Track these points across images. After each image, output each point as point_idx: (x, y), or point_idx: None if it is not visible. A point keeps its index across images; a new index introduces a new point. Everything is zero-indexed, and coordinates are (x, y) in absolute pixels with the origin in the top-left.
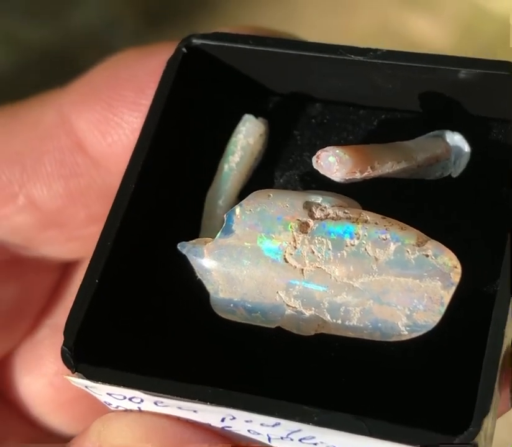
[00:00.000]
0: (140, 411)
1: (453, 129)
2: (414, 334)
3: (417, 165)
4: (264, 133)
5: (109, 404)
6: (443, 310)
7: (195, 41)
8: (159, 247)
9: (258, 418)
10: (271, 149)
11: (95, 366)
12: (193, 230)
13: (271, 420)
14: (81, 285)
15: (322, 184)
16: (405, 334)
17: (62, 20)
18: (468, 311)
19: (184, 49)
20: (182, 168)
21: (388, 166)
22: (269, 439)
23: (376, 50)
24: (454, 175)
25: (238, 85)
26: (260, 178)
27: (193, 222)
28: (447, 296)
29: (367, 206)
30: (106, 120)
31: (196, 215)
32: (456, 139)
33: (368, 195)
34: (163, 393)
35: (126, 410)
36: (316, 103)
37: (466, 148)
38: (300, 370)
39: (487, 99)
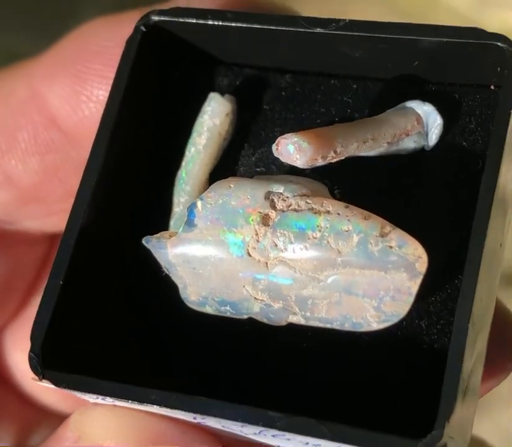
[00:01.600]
0: (113, 405)
1: (424, 98)
2: (384, 325)
3: (386, 142)
4: (230, 112)
5: (87, 399)
6: (411, 299)
7: (154, 17)
8: (126, 238)
9: (224, 421)
10: (241, 126)
11: (63, 372)
12: (163, 217)
13: (237, 423)
14: (45, 288)
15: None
16: (374, 325)
17: (60, 35)
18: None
19: (143, 28)
20: (148, 151)
21: (352, 148)
22: (245, 435)
23: (338, 21)
24: (427, 148)
25: (202, 61)
26: (232, 157)
27: (162, 209)
28: (414, 286)
29: (335, 186)
30: (76, 93)
31: (165, 201)
32: (427, 110)
33: (338, 175)
34: (128, 399)
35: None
36: (285, 75)
37: (438, 119)
38: (272, 362)
39: (457, 66)
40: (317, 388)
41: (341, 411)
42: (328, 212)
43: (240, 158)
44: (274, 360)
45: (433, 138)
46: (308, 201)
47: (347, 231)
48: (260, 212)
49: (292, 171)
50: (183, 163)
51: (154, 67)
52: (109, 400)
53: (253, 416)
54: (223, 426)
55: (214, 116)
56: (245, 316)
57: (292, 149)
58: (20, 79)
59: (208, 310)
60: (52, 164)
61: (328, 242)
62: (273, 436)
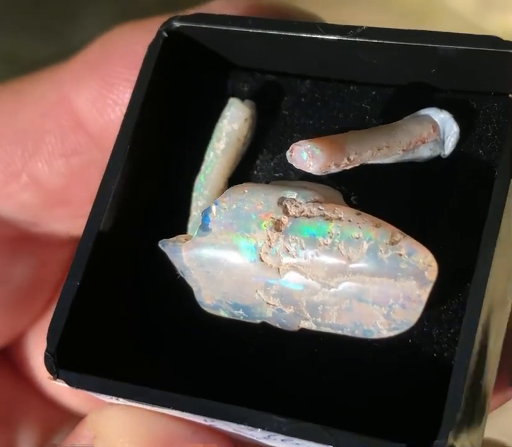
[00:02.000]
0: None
1: (441, 106)
2: (393, 333)
3: (402, 149)
4: (249, 117)
5: (103, 399)
6: (421, 308)
7: (176, 23)
8: (144, 241)
9: (233, 424)
10: (260, 131)
11: (77, 372)
12: (181, 221)
13: (243, 426)
14: (63, 289)
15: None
16: (384, 332)
17: (63, 39)
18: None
19: (164, 33)
20: (168, 155)
21: (367, 155)
22: (257, 439)
23: (356, 28)
24: (443, 156)
25: (222, 67)
26: (250, 162)
27: (181, 213)
28: (424, 295)
29: (351, 193)
30: (103, 97)
31: (184, 205)
32: (443, 118)
33: (355, 182)
34: (140, 401)
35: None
36: (305, 81)
37: (454, 127)
38: (283, 365)
39: (474, 74)
40: (326, 393)
41: (349, 417)
42: (339, 218)
43: (258, 163)
44: (286, 364)
45: (449, 146)
46: (320, 207)
47: (357, 238)
48: (273, 218)
49: (309, 177)
50: (202, 168)
51: (175, 72)
52: (122, 400)
53: (258, 420)
54: (234, 430)
55: (233, 121)
56: (258, 321)
57: (305, 156)
58: (49, 83)
59: (222, 313)
60: (78, 167)
61: (338, 249)
62: (283, 440)
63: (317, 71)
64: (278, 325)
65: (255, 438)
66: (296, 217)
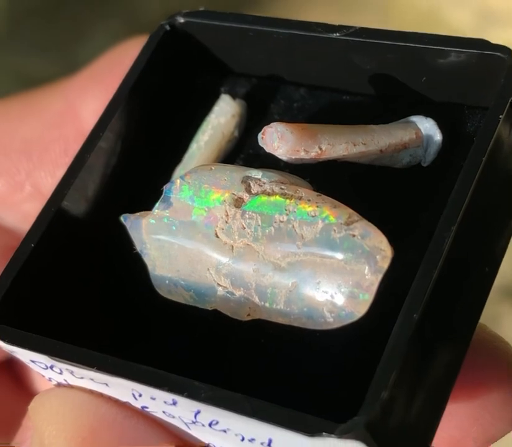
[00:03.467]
0: (69, 386)
1: (429, 115)
2: (341, 324)
3: (379, 150)
4: (237, 114)
5: (43, 376)
6: (370, 298)
7: (179, 18)
8: (114, 223)
9: (157, 395)
10: (247, 133)
11: (14, 328)
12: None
13: (168, 397)
14: (18, 248)
15: (295, 168)
16: (331, 321)
17: (70, 55)
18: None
19: (167, 27)
20: (152, 147)
21: (341, 148)
22: (186, 425)
23: (349, 27)
24: (424, 164)
25: (220, 65)
26: (233, 161)
27: (157, 200)
28: (375, 282)
29: (323, 190)
30: None
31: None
32: (428, 126)
33: (325, 180)
34: (64, 359)
35: (58, 385)
36: (300, 88)
37: (438, 135)
38: (224, 356)
39: (464, 85)
40: (265, 382)
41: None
42: (299, 197)
43: (241, 164)
44: (231, 353)
45: (430, 154)
46: (282, 187)
47: (313, 216)
48: (234, 194)
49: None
50: (184, 158)
51: (171, 66)
52: (57, 371)
53: (179, 385)
54: (164, 412)
55: (220, 115)
56: (209, 307)
57: (274, 136)
58: (55, 94)
59: (175, 297)
60: None
61: (293, 227)
62: (210, 425)
63: (312, 79)
64: (228, 313)
65: (183, 426)
66: (257, 195)
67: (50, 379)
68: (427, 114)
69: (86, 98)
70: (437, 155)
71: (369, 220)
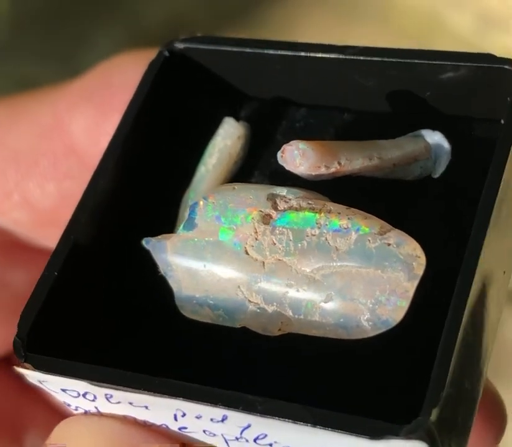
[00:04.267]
0: (99, 414)
1: (436, 128)
2: (378, 331)
3: (393, 163)
4: (242, 135)
5: (69, 405)
6: (406, 304)
7: (178, 44)
8: (131, 247)
9: (205, 412)
10: (252, 155)
11: (44, 356)
12: (168, 233)
13: (218, 412)
14: (40, 278)
15: (304, 185)
16: (368, 330)
17: (72, 63)
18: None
19: (166, 53)
20: (158, 174)
21: (358, 163)
22: (226, 442)
23: (354, 47)
24: (434, 175)
25: (221, 89)
26: (240, 182)
27: (170, 225)
28: (411, 289)
29: (341, 204)
30: (97, 126)
31: (173, 219)
32: (436, 139)
33: (342, 195)
34: (106, 382)
35: (86, 413)
36: (301, 108)
37: (446, 147)
38: (261, 371)
39: (468, 98)
40: (304, 394)
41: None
42: (329, 211)
43: None
44: (264, 369)
45: (440, 166)
46: (310, 202)
47: (345, 228)
48: (261, 211)
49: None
50: (193, 182)
51: (173, 91)
52: (89, 398)
53: (233, 400)
54: (204, 431)
55: (226, 138)
56: (238, 325)
57: (296, 154)
58: (45, 106)
59: (201, 317)
60: (69, 190)
61: (326, 239)
62: (255, 440)
63: (313, 98)
64: (258, 330)
65: (223, 444)
66: (285, 211)
67: (76, 408)
68: (434, 128)
69: (75, 114)
70: (446, 167)
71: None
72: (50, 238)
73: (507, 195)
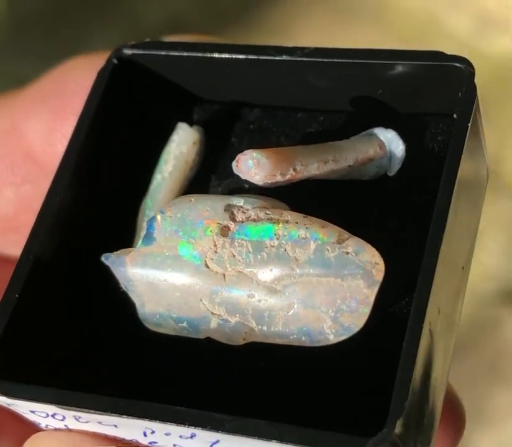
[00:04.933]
0: (68, 429)
1: (389, 126)
2: (340, 338)
3: (348, 165)
4: (197, 141)
5: (39, 423)
6: (368, 310)
7: (126, 51)
8: (89, 261)
9: (174, 429)
10: (208, 158)
11: (10, 381)
12: (127, 243)
13: (186, 431)
14: (2, 300)
15: (260, 190)
16: (331, 338)
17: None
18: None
19: (114, 60)
20: (114, 182)
21: (313, 167)
22: None
23: (303, 48)
24: (390, 173)
25: (172, 94)
26: (197, 187)
27: (127, 235)
28: (372, 295)
29: (298, 209)
30: (52, 130)
31: (131, 228)
32: (389, 137)
33: (300, 198)
34: (74, 406)
35: (55, 429)
36: (254, 109)
37: (400, 145)
38: (227, 382)
39: (420, 94)
40: (270, 405)
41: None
42: (286, 221)
43: (206, 189)
44: (230, 378)
45: (395, 164)
46: (267, 212)
47: (304, 238)
48: (219, 223)
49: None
50: (149, 190)
51: (124, 99)
52: (59, 418)
53: (201, 419)
54: (174, 445)
55: (180, 144)
56: (203, 336)
57: (251, 164)
58: (1, 110)
59: (165, 329)
60: (27, 195)
61: (285, 250)
62: None
63: (266, 99)
64: (223, 340)
65: None
66: (242, 222)
67: (46, 426)
68: (385, 125)
69: (30, 118)
70: (401, 164)
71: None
72: (10, 244)
73: (462, 189)
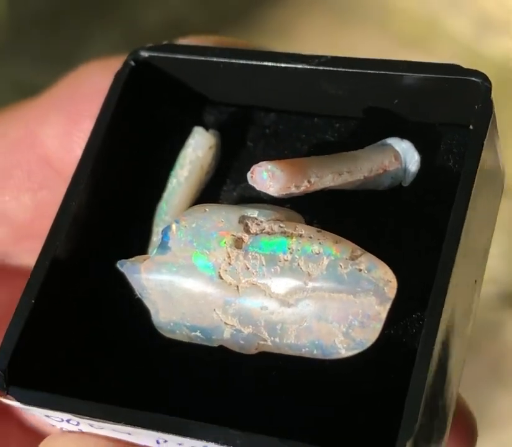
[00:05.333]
0: (81, 432)
1: (404, 136)
2: (352, 352)
3: (363, 176)
4: (214, 145)
5: (53, 425)
6: (380, 326)
7: (143, 53)
8: (104, 265)
9: (186, 441)
10: (224, 162)
11: (27, 389)
12: (142, 247)
13: (199, 443)
14: (17, 306)
15: (275, 198)
16: (342, 352)
17: (71, 65)
18: (405, 327)
19: (132, 63)
20: (130, 185)
21: (328, 179)
22: None
23: (320, 57)
24: (404, 184)
25: (189, 97)
26: (212, 191)
27: (142, 239)
28: (383, 312)
29: (313, 219)
30: (68, 134)
31: (146, 232)
32: (405, 147)
33: (315, 208)
34: (89, 416)
35: (70, 431)
36: (270, 114)
37: (415, 156)
38: (239, 390)
39: (436, 105)
40: (281, 415)
41: (307, 435)
42: (300, 235)
43: (221, 193)
44: (242, 387)
45: (410, 174)
46: (281, 225)
47: (317, 253)
48: (233, 235)
49: (271, 203)
50: (164, 195)
51: (141, 102)
52: (73, 423)
53: (213, 434)
54: None
55: (197, 149)
56: (216, 344)
57: (265, 176)
58: (17, 118)
59: (179, 337)
60: (44, 201)
61: (298, 265)
62: None
63: (282, 104)
64: (235, 349)
65: None
66: (256, 234)
67: (61, 429)
68: (400, 135)
69: (45, 124)
70: (416, 175)
71: (362, 244)
72: (27, 252)
73: (477, 200)
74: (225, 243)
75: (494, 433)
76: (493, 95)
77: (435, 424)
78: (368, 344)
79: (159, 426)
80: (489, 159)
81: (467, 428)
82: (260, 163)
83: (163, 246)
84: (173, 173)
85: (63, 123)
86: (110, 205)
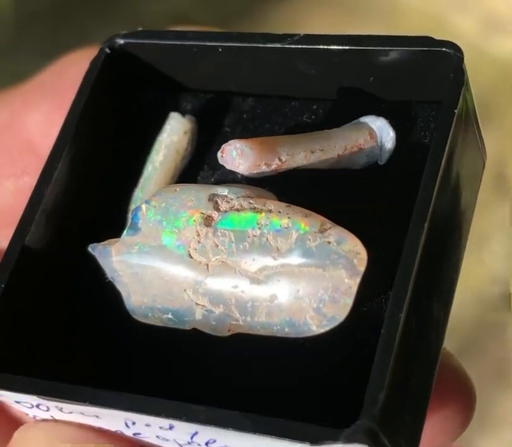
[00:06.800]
0: (55, 420)
1: (382, 115)
2: (324, 329)
3: (337, 154)
4: (189, 130)
5: (26, 414)
6: (350, 301)
7: (118, 40)
8: (79, 250)
9: (153, 421)
10: (201, 148)
11: None
12: (118, 233)
13: (164, 422)
14: None
15: (252, 179)
16: (314, 329)
17: None
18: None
19: (107, 50)
20: (106, 172)
21: (300, 157)
22: (180, 446)
23: (293, 35)
24: (381, 162)
25: (165, 83)
26: (190, 177)
27: (118, 226)
28: (354, 286)
29: (288, 198)
30: (51, 121)
31: (122, 218)
32: (380, 125)
33: (290, 188)
34: (53, 396)
35: (43, 419)
36: (248, 99)
37: (391, 133)
38: (211, 372)
39: (411, 81)
40: (253, 397)
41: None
42: (269, 210)
43: (198, 179)
44: (216, 369)
45: (386, 152)
46: (251, 201)
47: (286, 228)
48: (203, 213)
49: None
50: (140, 181)
51: (117, 88)
52: (43, 409)
53: (175, 410)
54: (157, 436)
55: (172, 134)
56: (189, 327)
57: (234, 154)
58: (1, 104)
59: (152, 320)
60: (27, 187)
61: (267, 239)
62: (207, 444)
63: (259, 88)
64: (208, 330)
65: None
66: (226, 212)
67: (34, 417)
68: (377, 113)
69: (30, 110)
70: (392, 152)
71: (339, 223)
72: (9, 238)
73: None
74: (194, 221)
75: (498, 432)
76: (495, 94)
77: (409, 396)
78: (340, 320)
79: (122, 404)
80: (465, 135)
81: (463, 390)
82: (229, 141)
83: (133, 227)
84: (149, 159)
85: (47, 110)
86: (86, 191)
